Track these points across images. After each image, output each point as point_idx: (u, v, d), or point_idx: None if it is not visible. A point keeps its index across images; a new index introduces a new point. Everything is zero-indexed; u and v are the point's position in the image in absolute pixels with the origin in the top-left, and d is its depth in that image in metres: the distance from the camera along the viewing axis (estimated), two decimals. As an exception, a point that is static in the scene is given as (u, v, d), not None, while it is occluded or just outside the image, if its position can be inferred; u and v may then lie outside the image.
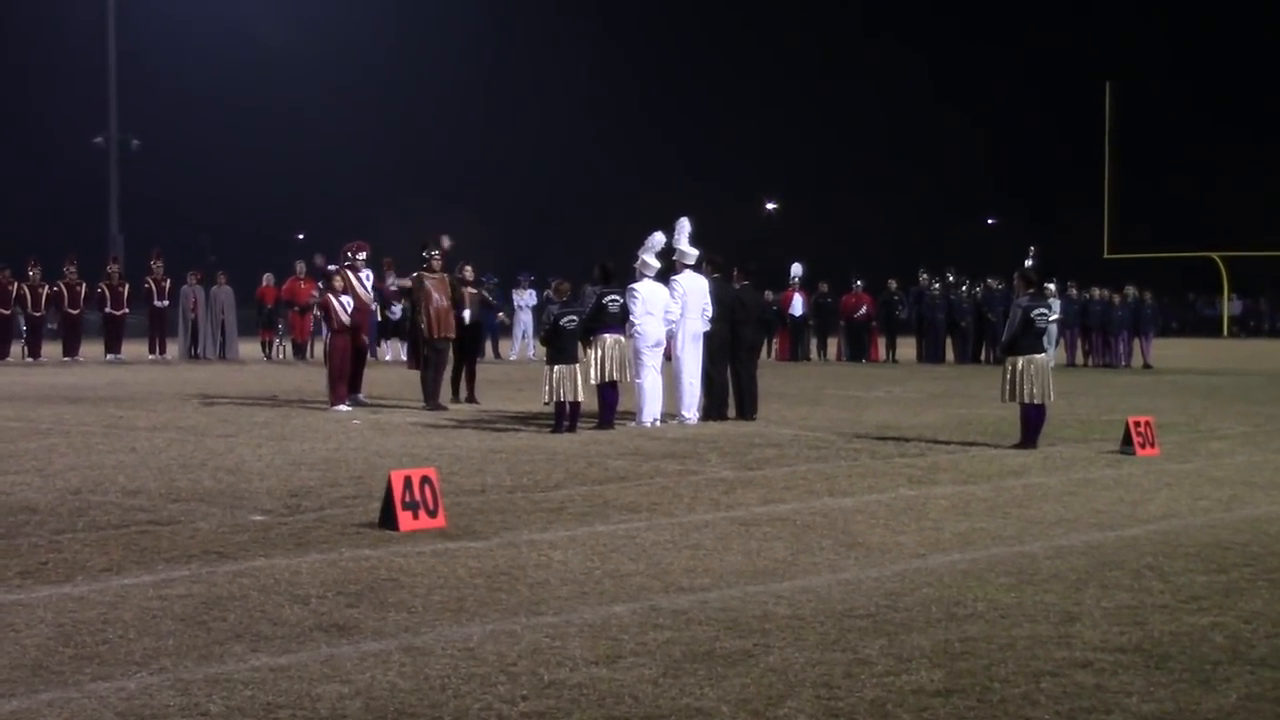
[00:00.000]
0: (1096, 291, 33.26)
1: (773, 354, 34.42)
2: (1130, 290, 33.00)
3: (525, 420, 17.00)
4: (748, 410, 17.24)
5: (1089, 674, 5.78)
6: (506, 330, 35.68)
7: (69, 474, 11.59)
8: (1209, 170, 71.74)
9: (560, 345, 15.72)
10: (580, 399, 15.69)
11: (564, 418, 15.56)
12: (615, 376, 16.06)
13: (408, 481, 9.01)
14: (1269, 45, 70.13)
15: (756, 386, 17.59)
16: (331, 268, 20.38)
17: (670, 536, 8.87)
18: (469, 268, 21.15)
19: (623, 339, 16.34)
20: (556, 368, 15.56)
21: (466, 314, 19.49)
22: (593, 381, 15.94)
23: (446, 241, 19.28)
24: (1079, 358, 33.15)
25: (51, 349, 32.01)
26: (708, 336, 16.98)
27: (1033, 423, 14.25)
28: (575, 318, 15.98)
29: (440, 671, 5.77)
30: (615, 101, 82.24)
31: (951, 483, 11.62)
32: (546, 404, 15.89)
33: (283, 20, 71.91)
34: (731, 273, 17.74)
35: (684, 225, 16.98)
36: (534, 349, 34.19)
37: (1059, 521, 9.65)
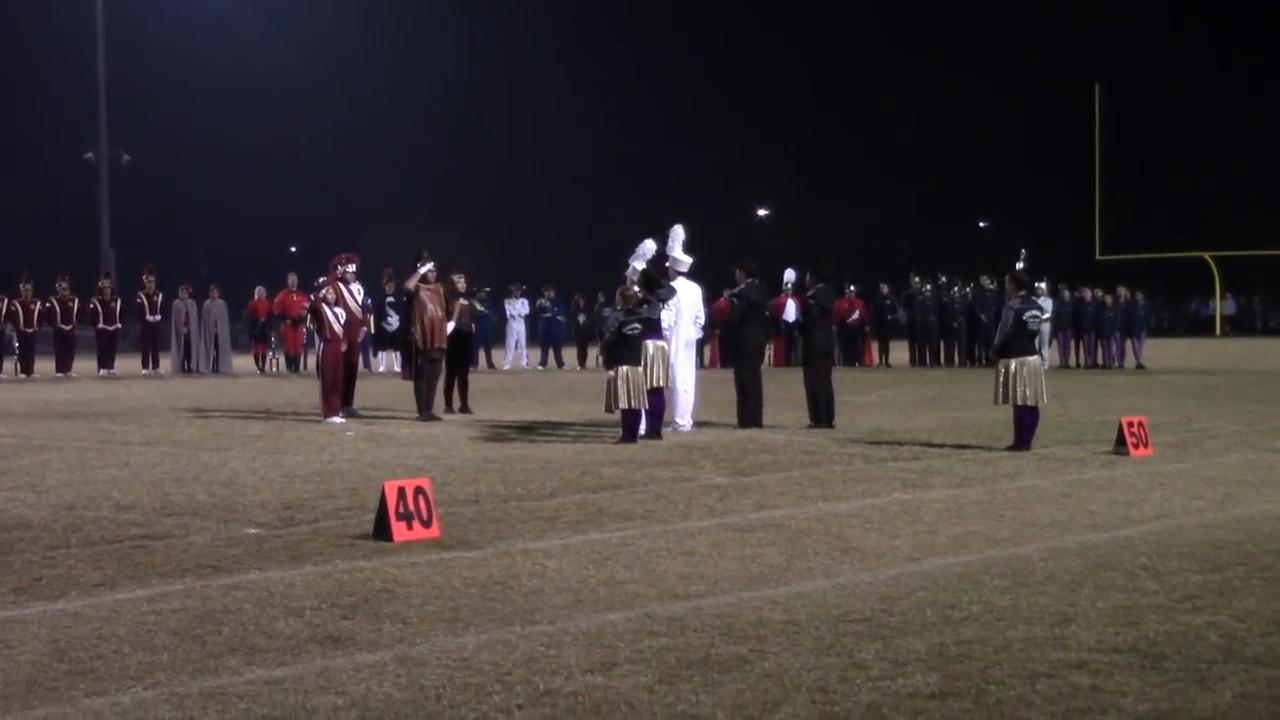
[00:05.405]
0: (1089, 292, 33.25)
1: (768, 359, 34.44)
2: (1123, 291, 33.03)
3: (519, 430, 16.99)
4: (824, 417, 16.95)
5: (1084, 675, 5.78)
6: (499, 339, 35.62)
7: (63, 489, 11.58)
8: (1201, 170, 71.96)
9: (620, 354, 15.09)
10: (647, 406, 15.27)
11: (633, 427, 15.08)
12: (661, 383, 15.69)
13: (401, 492, 9.00)
14: (1260, 45, 70.32)
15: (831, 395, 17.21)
16: (321, 279, 20.33)
17: (665, 544, 8.87)
18: (461, 277, 21.11)
19: (663, 344, 15.93)
20: (622, 369, 14.96)
21: (450, 325, 19.36)
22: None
23: (424, 267, 19.01)
24: (1072, 359, 33.16)
25: (44, 365, 31.98)
26: (737, 341, 16.84)
27: (1026, 425, 14.26)
28: (639, 325, 15.32)
29: (435, 682, 5.76)
30: (605, 111, 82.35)
31: (946, 486, 11.62)
32: (610, 412, 15.46)
33: (275, 34, 71.97)
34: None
35: (678, 233, 16.90)
36: (526, 358, 34.20)
37: (1053, 523, 9.65)
